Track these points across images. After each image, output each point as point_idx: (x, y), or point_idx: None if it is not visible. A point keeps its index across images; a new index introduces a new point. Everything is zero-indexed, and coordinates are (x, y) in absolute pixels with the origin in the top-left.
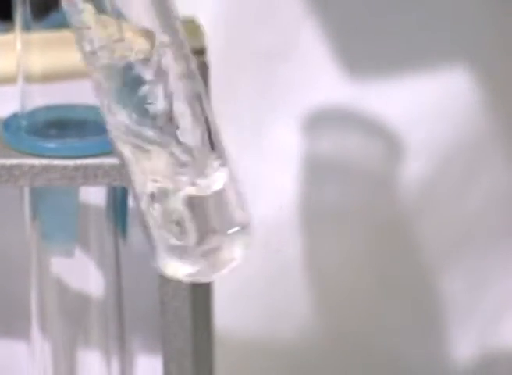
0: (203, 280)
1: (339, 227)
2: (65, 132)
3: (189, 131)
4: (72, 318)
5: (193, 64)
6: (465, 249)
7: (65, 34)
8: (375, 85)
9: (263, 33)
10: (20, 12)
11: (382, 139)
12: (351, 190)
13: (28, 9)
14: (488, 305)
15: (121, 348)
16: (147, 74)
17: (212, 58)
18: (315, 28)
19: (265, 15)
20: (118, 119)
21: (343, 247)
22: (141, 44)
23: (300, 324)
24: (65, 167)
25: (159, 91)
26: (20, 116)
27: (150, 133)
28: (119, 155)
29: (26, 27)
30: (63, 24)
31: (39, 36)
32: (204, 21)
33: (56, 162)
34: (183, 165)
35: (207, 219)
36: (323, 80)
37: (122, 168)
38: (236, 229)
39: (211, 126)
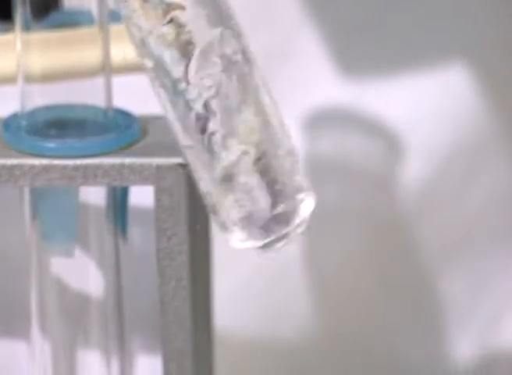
0: (276, 249)
1: (339, 227)
2: (65, 132)
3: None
4: (72, 318)
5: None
6: (465, 249)
7: (65, 34)
8: (375, 85)
9: (263, 34)
10: (20, 12)
11: (381, 139)
12: (351, 190)
13: (28, 9)
14: (489, 305)
15: (121, 348)
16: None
17: None
18: (315, 28)
19: (265, 16)
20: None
21: (343, 247)
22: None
23: (300, 324)
24: (65, 167)
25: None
26: (20, 115)
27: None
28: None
29: (26, 27)
30: (63, 24)
31: (39, 36)
32: None
33: (56, 162)
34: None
35: (276, 185)
36: (323, 81)
37: (122, 168)
38: (303, 194)
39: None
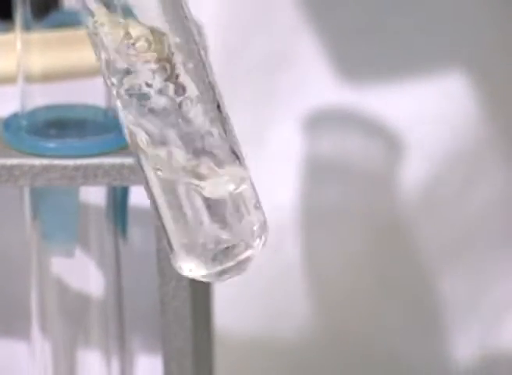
0: (223, 279)
1: (339, 228)
2: (65, 132)
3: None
4: (73, 318)
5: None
6: (465, 250)
7: (65, 34)
8: (375, 87)
9: (263, 37)
10: (20, 12)
11: (382, 140)
12: (351, 191)
13: (28, 9)
14: (489, 305)
15: (121, 347)
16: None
17: (213, 59)
18: (315, 31)
19: (266, 18)
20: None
21: (343, 247)
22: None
23: (300, 324)
24: (65, 167)
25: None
26: (20, 115)
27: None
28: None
29: (27, 27)
30: (63, 24)
31: (39, 36)
32: (205, 23)
33: (56, 161)
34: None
35: (226, 219)
36: (323, 83)
37: (122, 168)
38: (255, 227)
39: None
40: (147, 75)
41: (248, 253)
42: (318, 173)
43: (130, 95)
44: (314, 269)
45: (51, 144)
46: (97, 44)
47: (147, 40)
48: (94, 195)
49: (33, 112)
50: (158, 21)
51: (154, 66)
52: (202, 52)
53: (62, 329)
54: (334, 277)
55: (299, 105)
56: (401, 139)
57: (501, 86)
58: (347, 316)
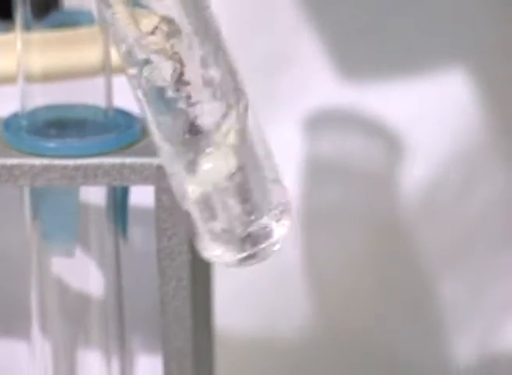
0: (250, 264)
1: (340, 229)
2: (65, 132)
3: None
4: (73, 318)
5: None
6: (466, 251)
7: (65, 34)
8: (375, 87)
9: (264, 37)
10: (20, 12)
11: (382, 140)
12: (351, 191)
13: (28, 9)
14: (489, 306)
15: (121, 347)
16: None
17: None
18: (315, 31)
19: (266, 19)
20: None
21: (343, 248)
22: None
23: (300, 324)
24: (65, 167)
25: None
26: (20, 115)
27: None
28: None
29: (27, 27)
30: (63, 24)
31: (39, 36)
32: None
33: (56, 161)
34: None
35: (251, 204)
36: (324, 83)
37: (122, 168)
38: (279, 208)
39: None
40: (166, 65)
41: (273, 239)
42: (319, 173)
43: (151, 86)
44: (315, 269)
45: (51, 144)
46: (115, 36)
47: (163, 30)
48: (94, 195)
49: (33, 112)
50: (174, 10)
51: (171, 55)
52: (221, 37)
53: (62, 329)
54: (334, 278)
55: (299, 105)
56: (401, 139)
57: (501, 86)
58: (347, 316)
